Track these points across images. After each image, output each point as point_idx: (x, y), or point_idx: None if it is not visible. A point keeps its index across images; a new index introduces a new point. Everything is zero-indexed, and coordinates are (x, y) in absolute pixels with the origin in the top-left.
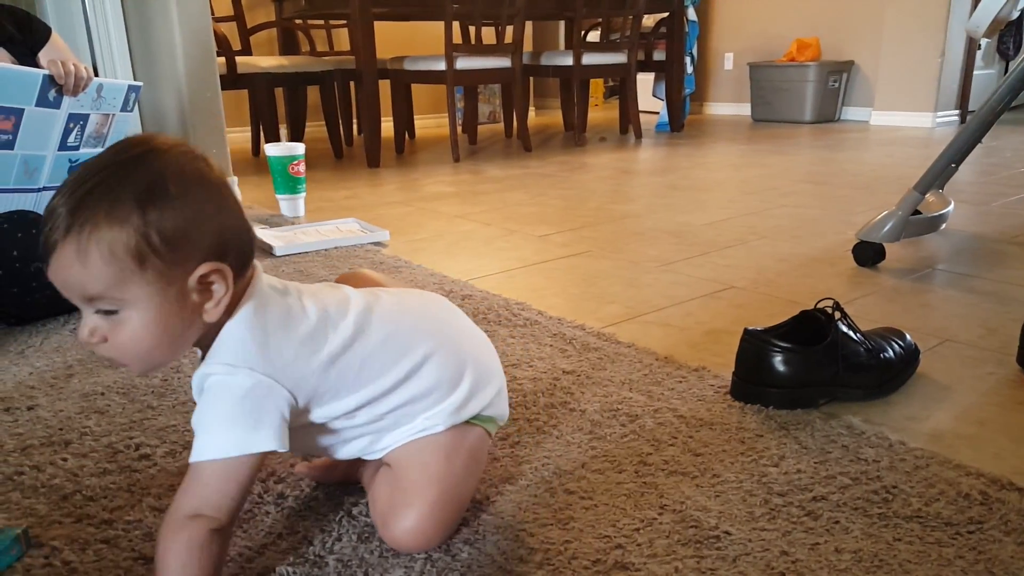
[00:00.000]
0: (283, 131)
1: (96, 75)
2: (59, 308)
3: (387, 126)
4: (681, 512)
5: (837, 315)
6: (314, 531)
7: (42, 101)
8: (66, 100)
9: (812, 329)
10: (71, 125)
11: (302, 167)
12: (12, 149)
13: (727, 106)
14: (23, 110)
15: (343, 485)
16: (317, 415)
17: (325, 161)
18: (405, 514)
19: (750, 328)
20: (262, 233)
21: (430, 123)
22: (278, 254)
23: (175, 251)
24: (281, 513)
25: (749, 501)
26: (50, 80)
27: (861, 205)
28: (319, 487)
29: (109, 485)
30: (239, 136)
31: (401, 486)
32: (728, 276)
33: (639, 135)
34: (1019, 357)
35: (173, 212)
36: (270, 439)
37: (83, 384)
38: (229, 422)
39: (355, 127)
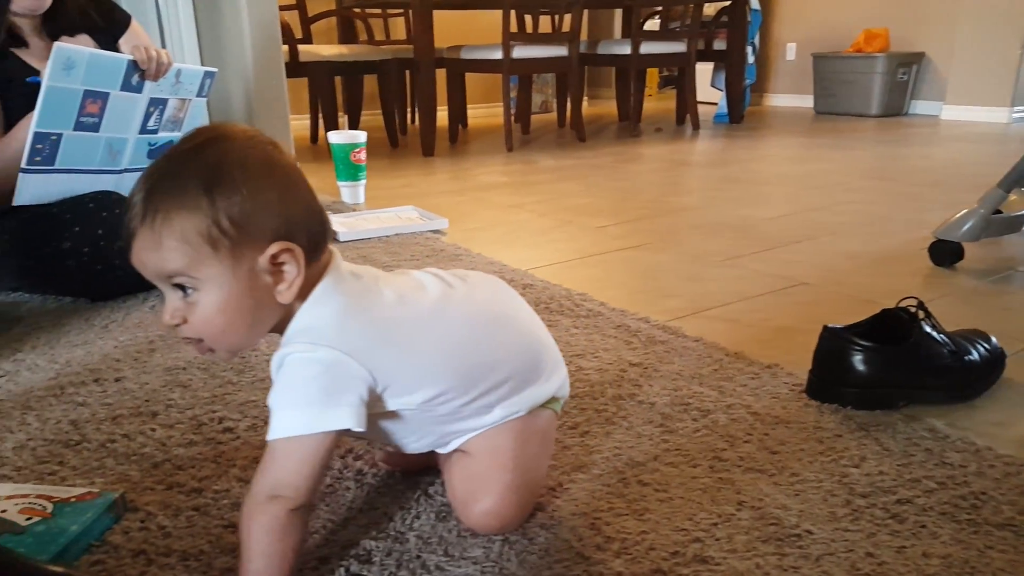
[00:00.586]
0: (340, 119)
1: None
2: (139, 286)
3: (441, 115)
4: (760, 509)
5: (920, 314)
6: (393, 508)
7: (126, 86)
8: (148, 85)
9: (893, 328)
10: (151, 109)
11: (363, 155)
12: (98, 132)
13: (788, 97)
14: (109, 94)
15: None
16: (395, 403)
17: (381, 150)
18: (483, 499)
19: (830, 326)
20: None
21: (482, 112)
22: (341, 240)
23: (244, 232)
24: (361, 490)
25: (830, 501)
26: (134, 65)
27: (933, 203)
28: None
29: (196, 455)
30: (297, 124)
31: (477, 472)
32: (796, 272)
33: (696, 126)
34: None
35: (240, 197)
36: (347, 416)
37: (165, 359)
38: (306, 399)
39: (409, 116)
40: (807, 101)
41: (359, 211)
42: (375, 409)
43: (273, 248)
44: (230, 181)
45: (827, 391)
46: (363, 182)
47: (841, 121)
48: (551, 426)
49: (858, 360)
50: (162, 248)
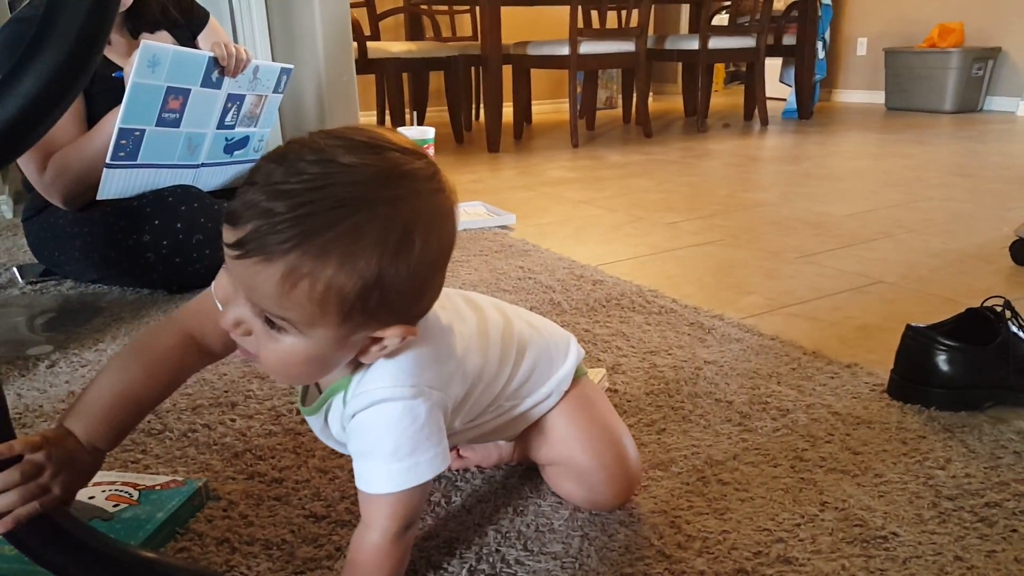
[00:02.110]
0: (406, 115)
1: None
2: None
3: (506, 111)
4: (844, 510)
5: (1007, 314)
6: (471, 501)
7: (206, 82)
8: (226, 81)
9: (978, 328)
10: (229, 105)
11: (431, 151)
12: (178, 127)
13: (858, 93)
14: (190, 90)
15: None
16: (457, 424)
17: (446, 145)
18: (604, 490)
19: (913, 324)
20: None
21: (546, 108)
22: None
23: (384, 312)
24: (438, 483)
25: (916, 503)
26: (214, 62)
27: (1016, 200)
28: None
29: (276, 445)
30: (364, 120)
31: (581, 472)
32: (876, 270)
33: (765, 122)
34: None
35: (406, 273)
36: (447, 453)
37: None
38: (413, 448)
39: (474, 112)
40: (878, 97)
41: None
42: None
43: (395, 331)
44: (407, 253)
45: (910, 391)
46: None
47: (914, 117)
48: (597, 387)
49: (943, 360)
50: (290, 294)
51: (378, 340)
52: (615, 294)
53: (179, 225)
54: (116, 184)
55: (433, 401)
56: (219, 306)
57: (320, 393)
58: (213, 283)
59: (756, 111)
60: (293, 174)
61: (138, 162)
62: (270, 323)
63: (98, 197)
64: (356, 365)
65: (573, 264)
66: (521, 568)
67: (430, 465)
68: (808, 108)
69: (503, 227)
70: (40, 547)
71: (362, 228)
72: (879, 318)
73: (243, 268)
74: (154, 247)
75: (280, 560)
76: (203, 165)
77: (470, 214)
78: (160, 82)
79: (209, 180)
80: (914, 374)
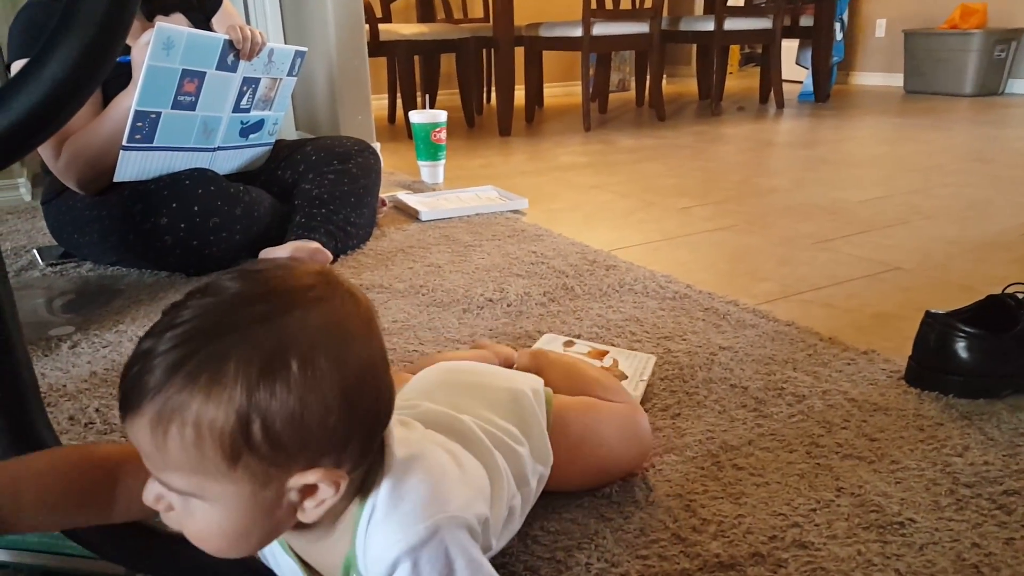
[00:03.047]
0: (417, 99)
1: None
2: (233, 261)
3: (517, 94)
4: (860, 496)
5: None
6: None
7: (221, 65)
8: (242, 64)
9: (997, 316)
10: (244, 88)
11: (443, 134)
12: (194, 110)
13: (876, 76)
14: (205, 73)
15: None
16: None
17: (457, 129)
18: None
19: (932, 311)
20: (407, 198)
21: (558, 91)
22: (423, 219)
23: (282, 450)
24: None
25: (933, 490)
26: (229, 45)
27: None
28: None
29: None
30: (375, 104)
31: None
32: (892, 257)
33: (781, 105)
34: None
35: (289, 399)
36: None
37: None
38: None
39: (485, 95)
40: (896, 80)
41: (439, 191)
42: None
43: (312, 477)
44: (283, 378)
45: (928, 378)
46: (443, 162)
47: (933, 101)
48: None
49: (962, 347)
50: (163, 444)
51: (309, 493)
52: (628, 279)
53: (196, 208)
54: (133, 167)
55: (456, 525)
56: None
57: None
58: None
59: (771, 94)
60: (177, 313)
61: (154, 145)
62: (177, 492)
63: (115, 179)
64: (347, 528)
65: (586, 249)
66: (537, 546)
67: None
68: (825, 91)
69: (515, 212)
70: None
71: (226, 352)
72: (895, 305)
73: (129, 429)
74: (171, 230)
75: None
76: (219, 148)
77: (482, 198)
78: (175, 65)
79: (225, 164)
80: (932, 361)
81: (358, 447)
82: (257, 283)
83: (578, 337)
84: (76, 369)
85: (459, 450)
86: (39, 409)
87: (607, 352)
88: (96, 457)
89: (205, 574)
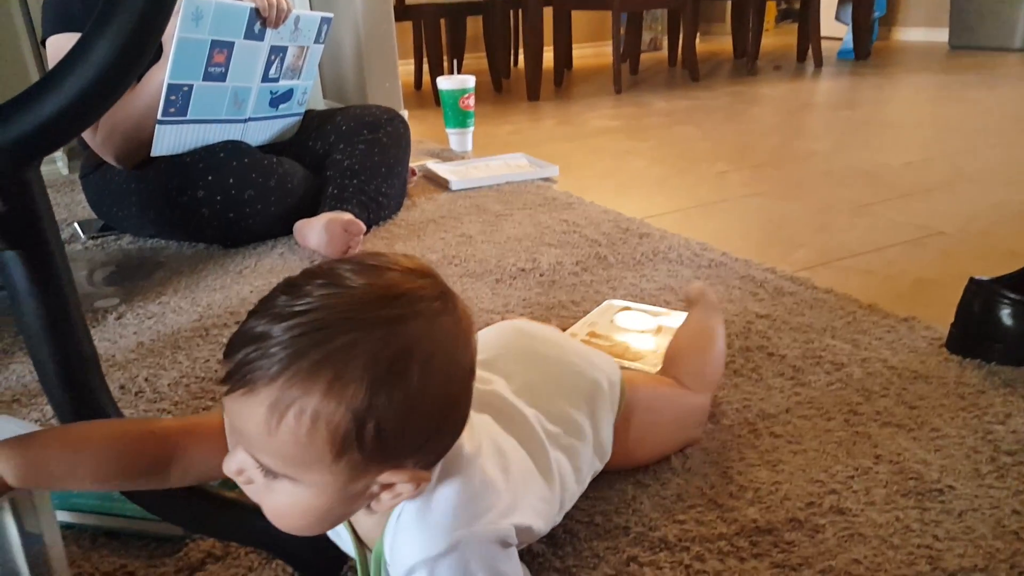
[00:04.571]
0: (444, 63)
1: None
2: (268, 233)
3: (546, 56)
4: (899, 463)
5: None
6: None
7: (249, 34)
8: (269, 33)
9: None
10: (272, 57)
11: (472, 100)
12: (224, 81)
13: (920, 31)
14: (234, 43)
15: None
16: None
17: (485, 94)
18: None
19: (977, 277)
20: (437, 167)
21: (587, 52)
22: (454, 188)
23: (383, 449)
24: None
25: (974, 458)
26: (255, 13)
27: None
28: None
29: None
30: (401, 70)
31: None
32: (934, 222)
33: (819, 63)
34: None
35: (404, 403)
36: None
37: None
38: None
39: (512, 58)
40: (941, 35)
41: (468, 159)
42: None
43: (404, 477)
44: (404, 382)
45: (971, 346)
46: (471, 129)
47: (980, 56)
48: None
49: (1007, 314)
50: (275, 431)
51: (388, 487)
52: (662, 247)
53: (231, 181)
54: (168, 140)
55: (481, 539)
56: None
57: (370, 552)
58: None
59: (810, 52)
60: (296, 298)
61: (188, 118)
62: (266, 471)
63: (152, 154)
64: (387, 515)
65: (619, 217)
66: (575, 511)
67: None
68: (865, 48)
69: (546, 179)
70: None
71: (353, 350)
72: (937, 271)
73: (232, 405)
74: (208, 203)
75: None
76: (250, 120)
77: (512, 166)
78: (204, 36)
79: (256, 135)
80: (975, 328)
81: (444, 449)
82: (382, 282)
83: (640, 303)
84: (123, 340)
85: (512, 450)
86: (100, 380)
87: (664, 313)
88: (155, 432)
89: (261, 537)
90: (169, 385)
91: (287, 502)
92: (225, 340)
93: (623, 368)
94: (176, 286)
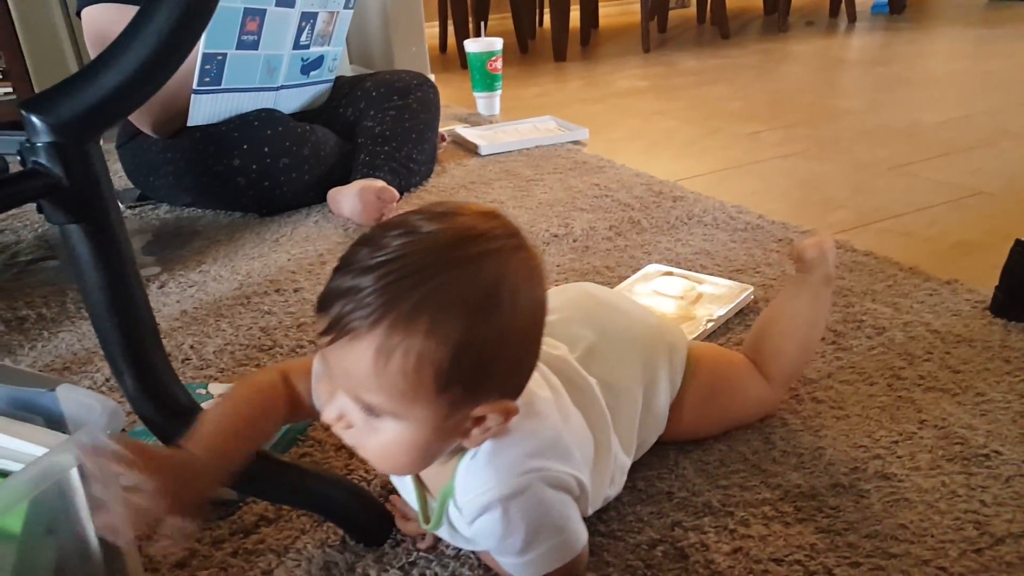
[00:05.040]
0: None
1: None
2: (303, 202)
3: (572, 15)
4: (944, 428)
5: None
6: None
7: (280, 0)
8: None
9: None
10: (303, 24)
11: (499, 63)
12: (257, 49)
13: None
14: (265, 10)
15: None
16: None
17: (511, 56)
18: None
19: (1023, 239)
20: (465, 132)
21: (613, 11)
22: (483, 153)
23: (480, 381)
24: None
25: (1021, 423)
26: None
27: None
28: None
29: None
30: (428, 32)
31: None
32: (975, 181)
33: (852, 18)
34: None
35: (497, 335)
36: (582, 528)
37: None
38: (548, 532)
39: (537, 18)
40: None
41: (496, 123)
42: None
43: (496, 408)
44: (496, 312)
45: (1016, 309)
46: (499, 92)
47: (1020, 8)
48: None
49: None
50: (383, 372)
51: (480, 421)
52: (697, 211)
53: (266, 149)
54: (204, 110)
55: (550, 483)
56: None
57: (434, 500)
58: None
59: (842, 6)
60: (377, 249)
61: (222, 87)
62: (369, 411)
63: (188, 124)
64: (457, 459)
65: (651, 180)
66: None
67: (564, 549)
68: (900, 2)
69: (575, 143)
70: None
71: (446, 289)
72: (979, 233)
73: (335, 353)
74: (243, 171)
75: None
76: (282, 87)
77: (541, 130)
78: (237, 3)
79: (288, 103)
80: (1021, 291)
81: (525, 381)
82: (456, 225)
83: (677, 266)
84: (166, 308)
85: (574, 414)
86: (160, 350)
87: (704, 282)
88: (274, 381)
89: (313, 500)
90: (215, 352)
91: (390, 439)
92: (266, 308)
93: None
94: (215, 254)
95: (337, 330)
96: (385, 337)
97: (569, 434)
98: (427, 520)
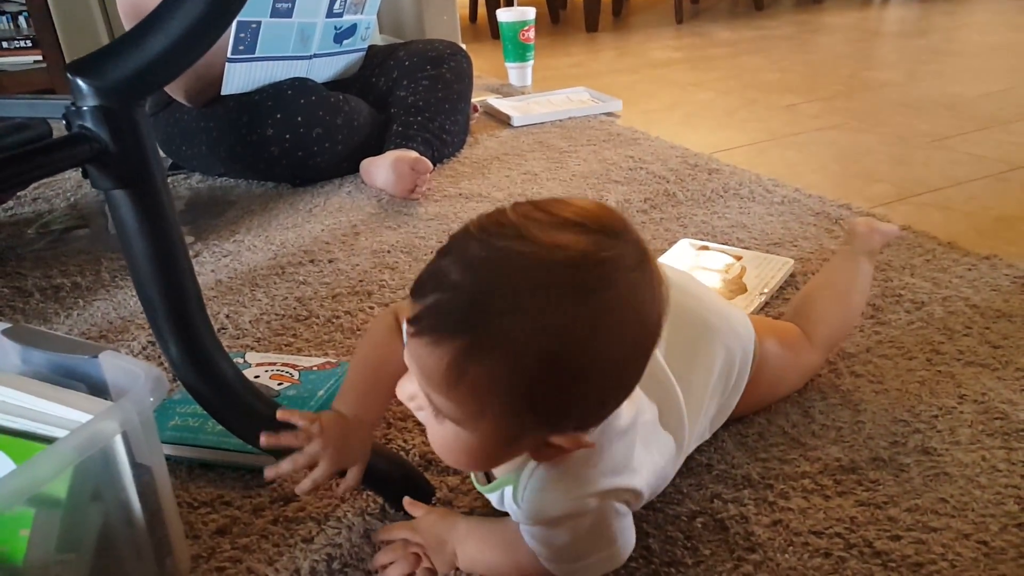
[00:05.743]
0: None
1: None
2: (336, 172)
3: None
4: (984, 403)
5: None
6: None
7: None
8: None
9: None
10: None
11: (532, 33)
12: (291, 17)
13: None
14: None
15: None
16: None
17: (542, 26)
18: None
19: None
20: (498, 103)
21: None
22: (516, 124)
23: (557, 414)
24: None
25: None
26: None
27: None
28: None
29: None
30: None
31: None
32: (1015, 155)
33: None
34: None
35: (586, 371)
36: (628, 543)
37: (370, 242)
38: (591, 549)
39: None
40: None
41: (529, 94)
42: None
43: (568, 440)
44: (587, 354)
45: None
46: (531, 63)
47: None
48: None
49: None
50: (455, 387)
51: (550, 446)
52: (733, 184)
53: (299, 119)
54: (238, 79)
55: (608, 505)
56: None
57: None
58: None
59: None
60: (489, 249)
61: (256, 55)
62: (436, 411)
63: (223, 92)
64: (523, 463)
65: (686, 152)
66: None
67: (612, 560)
68: None
69: (609, 114)
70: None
71: (542, 318)
72: (1019, 207)
73: (416, 348)
74: (277, 141)
75: None
76: (315, 56)
77: (574, 101)
78: None
79: (321, 72)
80: None
81: (607, 415)
82: (581, 245)
83: (711, 241)
84: (202, 277)
85: (653, 420)
86: (204, 317)
87: (741, 257)
88: (379, 348)
89: None
90: (251, 322)
91: (451, 439)
92: (301, 279)
93: None
94: (248, 224)
95: (422, 325)
96: (464, 354)
97: (643, 451)
98: (479, 482)
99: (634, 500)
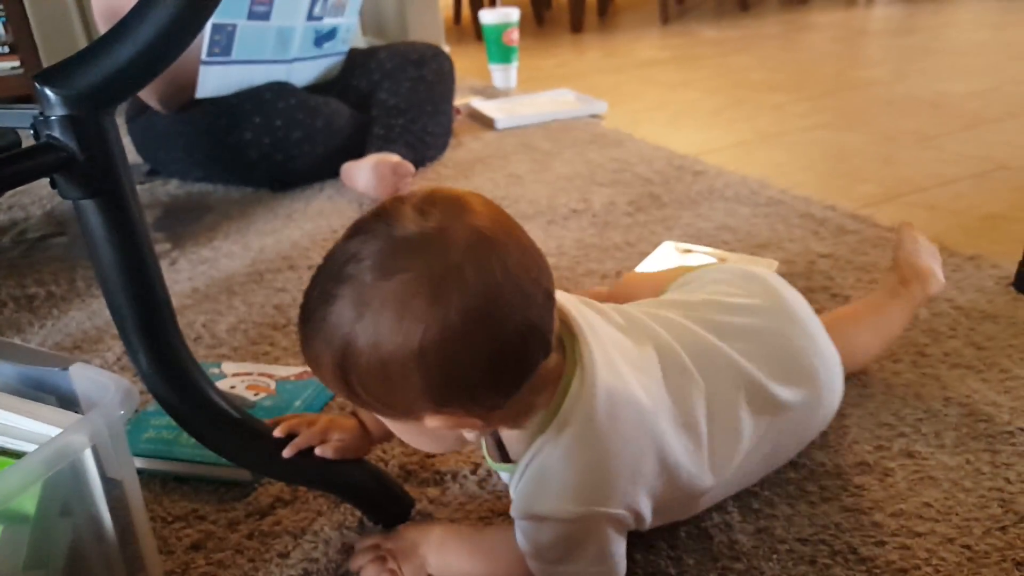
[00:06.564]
0: None
1: None
2: (316, 176)
3: None
4: (968, 406)
5: None
6: None
7: None
8: None
9: None
10: None
11: (516, 35)
12: (269, 20)
13: None
14: None
15: None
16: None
17: (527, 27)
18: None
19: None
20: (481, 105)
21: None
22: (499, 127)
23: (444, 392)
24: None
25: None
26: None
27: None
28: None
29: None
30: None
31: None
32: (1001, 154)
33: None
34: None
35: (448, 354)
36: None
37: None
38: (569, 559)
39: None
40: None
41: (513, 96)
42: None
43: (436, 421)
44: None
45: None
46: (515, 64)
47: None
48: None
49: None
50: (319, 366)
51: (456, 427)
52: (719, 185)
53: (278, 122)
54: (213, 81)
55: (602, 522)
56: None
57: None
58: None
59: None
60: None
61: (232, 58)
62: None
63: (196, 96)
64: (533, 435)
65: (671, 154)
66: None
67: None
68: None
69: (594, 116)
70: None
71: (410, 283)
72: (1005, 206)
73: (305, 349)
74: (256, 145)
75: None
76: (295, 60)
77: (558, 103)
78: None
79: (302, 75)
80: None
81: (509, 385)
82: (444, 201)
83: (696, 243)
84: (178, 285)
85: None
86: (175, 327)
87: (726, 259)
88: None
89: (330, 479)
90: (227, 331)
91: (401, 431)
92: (279, 285)
93: None
94: (226, 230)
95: (306, 315)
96: (318, 327)
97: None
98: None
99: (631, 522)
